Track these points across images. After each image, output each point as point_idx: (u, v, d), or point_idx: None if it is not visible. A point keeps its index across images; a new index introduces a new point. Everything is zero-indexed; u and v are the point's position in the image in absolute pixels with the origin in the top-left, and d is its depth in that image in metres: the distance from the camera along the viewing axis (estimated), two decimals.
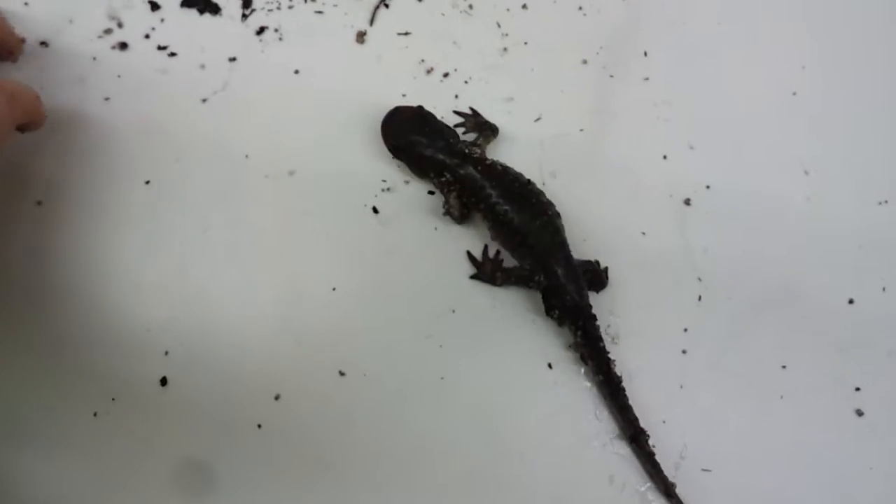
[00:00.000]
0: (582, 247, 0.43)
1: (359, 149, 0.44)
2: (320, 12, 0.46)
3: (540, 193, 0.41)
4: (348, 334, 0.41)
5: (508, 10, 0.47)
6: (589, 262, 0.42)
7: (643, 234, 0.44)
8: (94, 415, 0.38)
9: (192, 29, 0.45)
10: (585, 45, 0.47)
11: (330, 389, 0.40)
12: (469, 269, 0.43)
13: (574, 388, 0.41)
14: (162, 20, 0.46)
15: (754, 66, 0.48)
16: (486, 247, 0.44)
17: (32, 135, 0.41)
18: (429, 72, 0.46)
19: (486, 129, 0.44)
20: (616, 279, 0.43)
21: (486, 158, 0.42)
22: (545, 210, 0.40)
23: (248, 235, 0.42)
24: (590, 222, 0.44)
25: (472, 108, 0.46)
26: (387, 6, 0.47)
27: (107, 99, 0.44)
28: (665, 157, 0.46)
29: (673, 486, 0.39)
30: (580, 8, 0.48)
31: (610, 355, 0.40)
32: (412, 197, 0.44)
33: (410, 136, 0.41)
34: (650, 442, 0.39)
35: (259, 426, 0.38)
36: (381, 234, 0.43)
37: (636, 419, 0.39)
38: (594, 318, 0.40)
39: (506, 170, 0.41)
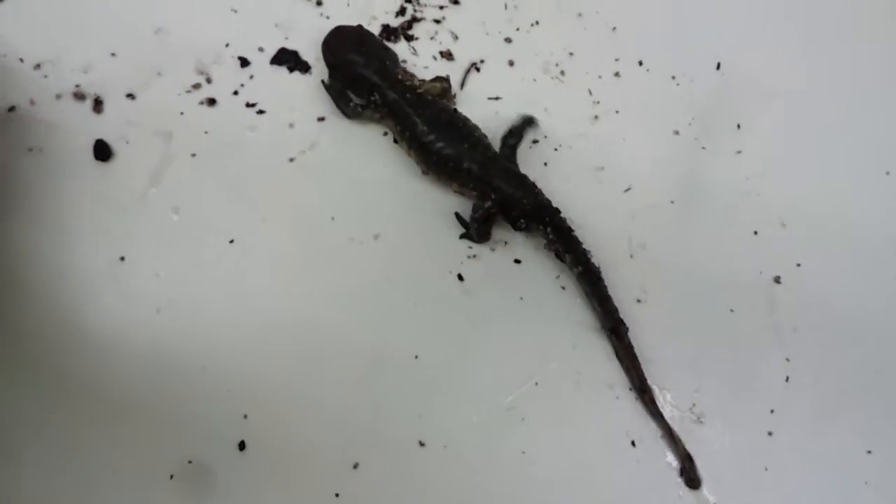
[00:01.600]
0: (669, 323, 0.61)
1: (445, 214, 0.60)
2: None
3: (466, 120, 0.55)
4: (429, 404, 0.56)
5: (601, 77, 0.67)
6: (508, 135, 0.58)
7: (731, 311, 0.62)
8: (171, 477, 0.54)
9: (282, 87, 0.64)
10: (678, 114, 0.66)
11: (409, 460, 0.52)
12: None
13: (657, 467, 0.53)
14: (251, 77, 0.64)
15: (849, 143, 0.66)
16: (474, 206, 0.56)
17: (113, 189, 0.58)
18: (513, 135, 0.65)
19: (440, 79, 0.59)
20: (703, 357, 0.58)
21: (418, 88, 0.56)
22: (472, 133, 0.55)
23: (331, 300, 0.56)
24: (678, 297, 0.61)
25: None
26: (478, 70, 0.66)
27: (193, 155, 0.62)
28: (756, 232, 0.64)
29: (648, 386, 0.52)
30: (673, 77, 0.67)
31: (584, 246, 0.54)
32: (498, 266, 0.61)
33: (348, 53, 0.57)
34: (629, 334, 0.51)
35: (337, 495, 0.52)
36: (466, 303, 0.59)
37: (616, 310, 0.52)
38: (558, 210, 0.54)
39: (435, 102, 0.55)
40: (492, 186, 0.54)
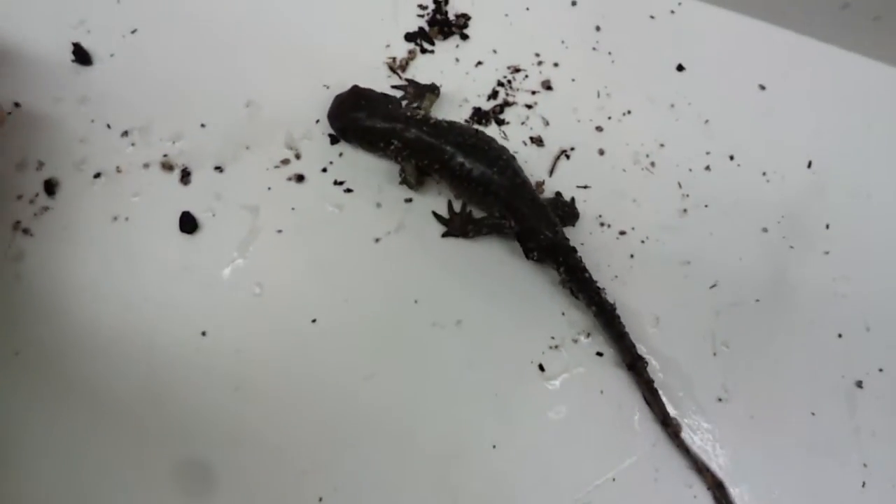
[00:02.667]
0: (749, 424, 0.77)
1: (528, 302, 0.73)
2: None
3: (492, 140, 0.67)
4: (507, 495, 0.69)
5: (691, 170, 0.83)
6: (557, 197, 0.71)
7: (812, 413, 0.78)
8: None
9: (370, 166, 0.80)
10: (767, 212, 0.82)
11: None
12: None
13: None
14: (340, 154, 0.80)
15: None
16: (450, 202, 0.70)
17: (198, 262, 0.71)
18: (605, 226, 0.82)
19: (427, 91, 0.73)
20: (781, 457, 0.70)
21: (430, 118, 0.69)
22: (500, 155, 0.66)
23: (410, 386, 0.68)
24: (760, 397, 0.76)
25: (408, 80, 0.75)
26: (567, 157, 0.83)
27: (279, 231, 0.77)
28: (840, 335, 0.80)
29: (673, 419, 0.64)
30: (764, 173, 0.84)
31: (598, 284, 0.66)
32: (580, 357, 0.76)
33: (350, 112, 0.69)
34: (648, 369, 0.64)
35: None
36: (546, 394, 0.72)
37: (633, 346, 0.65)
38: (573, 250, 0.66)
39: (451, 125, 0.67)
40: (515, 214, 0.67)
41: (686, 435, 0.66)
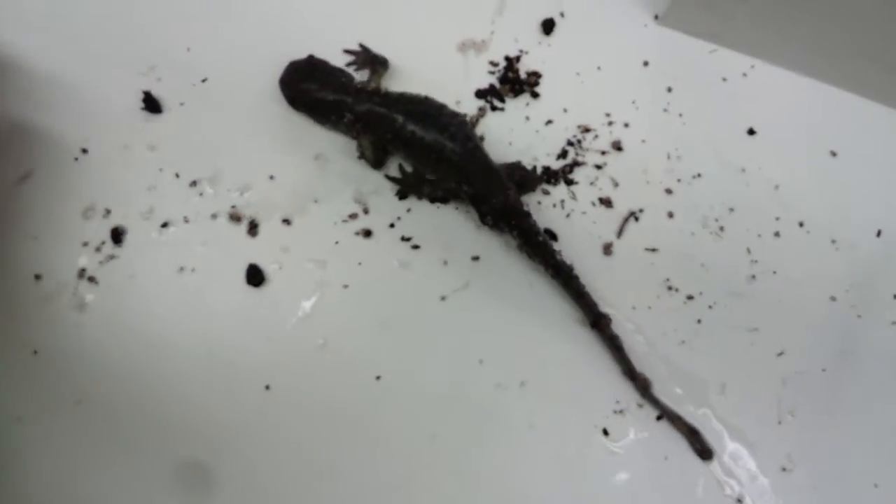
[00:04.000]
0: (812, 495, 0.84)
1: (593, 365, 0.78)
2: (568, 216, 0.90)
3: (443, 107, 0.73)
4: None
5: (760, 235, 0.91)
6: (515, 163, 0.77)
7: (875, 485, 0.84)
8: None
9: (437, 222, 0.87)
10: (835, 280, 0.89)
11: None
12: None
13: None
14: (408, 210, 0.87)
15: None
16: (400, 164, 0.78)
17: (263, 315, 0.79)
18: (672, 290, 0.90)
19: (377, 63, 0.80)
20: None
21: (381, 90, 0.75)
22: (451, 120, 0.72)
23: (472, 446, 0.74)
24: (824, 467, 0.82)
25: (360, 44, 0.82)
26: (636, 219, 0.91)
27: (345, 286, 0.85)
28: None
29: (640, 373, 0.73)
30: (833, 241, 0.91)
31: (555, 246, 0.73)
32: (644, 421, 0.83)
33: (301, 83, 0.76)
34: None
35: None
36: (610, 458, 0.77)
37: (595, 304, 0.72)
38: (528, 214, 0.73)
39: (402, 95, 0.73)
40: (469, 179, 0.73)
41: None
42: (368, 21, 0.86)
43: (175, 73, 0.83)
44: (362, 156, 0.78)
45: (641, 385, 0.73)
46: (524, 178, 0.78)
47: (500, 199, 0.73)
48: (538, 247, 0.73)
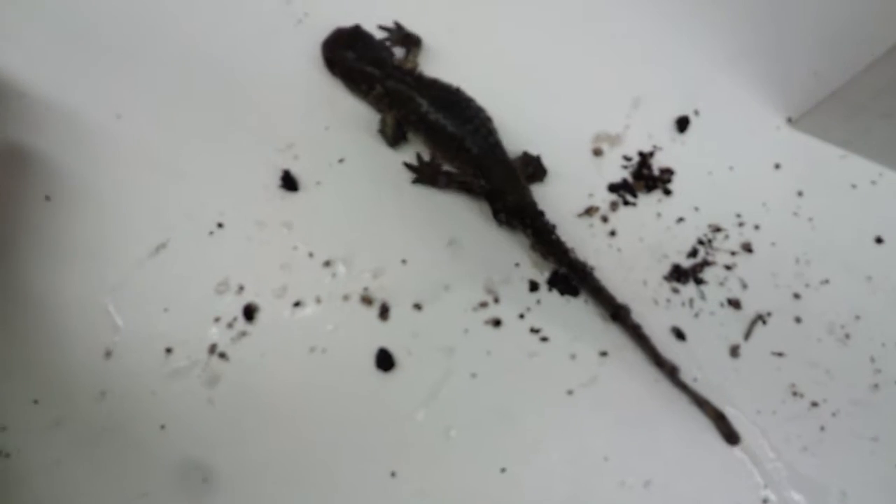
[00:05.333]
0: None
1: (727, 470, 0.85)
2: (696, 315, 0.99)
3: (470, 100, 0.81)
4: None
5: (884, 344, 0.99)
6: (525, 154, 0.85)
7: None
8: None
9: (567, 315, 0.95)
10: None
11: None
12: None
13: None
14: (538, 301, 0.96)
15: None
16: (418, 153, 0.85)
17: (391, 400, 0.84)
18: (797, 395, 0.98)
19: (410, 42, 0.89)
20: None
21: (415, 71, 0.84)
22: (476, 114, 0.81)
23: None
24: None
25: (396, 22, 0.91)
26: (764, 322, 0.99)
27: (473, 375, 0.92)
28: None
29: (667, 360, 0.80)
30: None
31: (567, 244, 0.80)
32: None
33: (342, 50, 0.85)
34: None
35: None
36: None
37: (613, 297, 0.79)
38: (542, 213, 0.80)
39: (434, 81, 0.82)
40: (485, 174, 0.81)
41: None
42: (504, 102, 0.94)
43: (313, 152, 0.91)
44: (382, 131, 0.87)
45: (668, 370, 0.80)
46: (536, 171, 0.86)
47: (515, 196, 0.82)
48: (551, 245, 0.81)
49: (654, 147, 0.95)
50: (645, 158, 0.91)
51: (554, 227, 0.83)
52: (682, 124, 0.92)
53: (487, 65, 0.96)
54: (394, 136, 0.86)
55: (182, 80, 0.94)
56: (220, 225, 0.88)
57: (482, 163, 0.81)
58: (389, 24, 0.92)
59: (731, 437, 0.80)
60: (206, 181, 0.90)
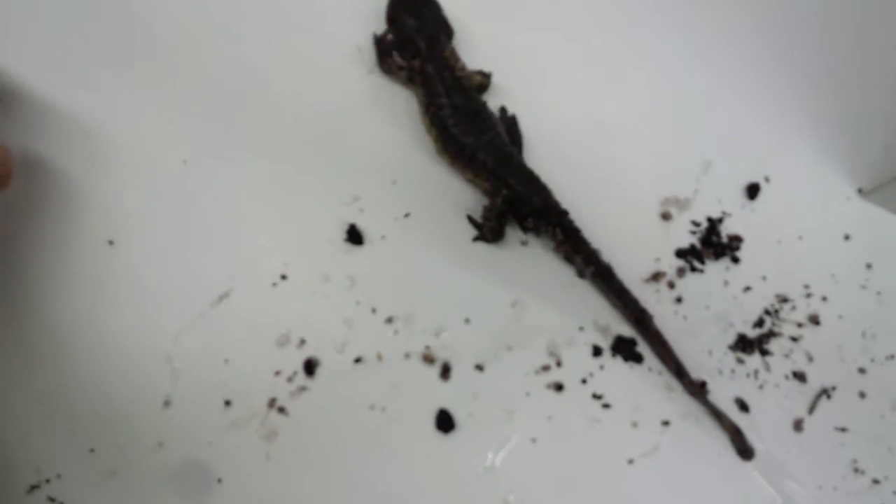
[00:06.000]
0: None
1: None
2: (761, 387, 1.02)
3: (492, 115, 0.86)
4: None
5: None
6: (502, 112, 0.92)
7: None
8: None
9: (630, 382, 0.97)
10: None
11: None
12: None
13: None
14: (601, 367, 0.99)
15: None
16: (474, 217, 0.90)
17: (450, 462, 0.86)
18: (858, 472, 1.01)
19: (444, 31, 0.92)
20: None
21: (459, 71, 0.89)
22: (493, 126, 0.85)
23: None
24: None
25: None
26: (828, 397, 1.02)
27: (533, 440, 0.95)
28: None
29: (685, 370, 0.82)
30: None
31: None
32: None
33: (405, 12, 0.90)
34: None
35: None
36: None
37: (636, 301, 0.83)
38: (566, 212, 0.84)
39: (467, 90, 0.87)
40: (504, 181, 0.84)
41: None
42: (572, 160, 0.99)
43: (379, 206, 0.94)
44: (382, 39, 0.94)
45: (689, 382, 0.83)
46: (511, 129, 0.92)
47: (539, 198, 0.86)
48: (580, 244, 0.85)
49: (724, 213, 0.97)
50: (714, 225, 0.94)
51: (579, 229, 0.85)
52: (753, 191, 0.95)
53: (557, 122, 1.00)
54: (391, 67, 0.96)
55: (251, 129, 0.97)
56: (283, 276, 0.91)
57: (499, 172, 0.85)
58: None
59: (745, 452, 0.85)
60: (271, 231, 0.93)
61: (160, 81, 0.99)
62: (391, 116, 0.95)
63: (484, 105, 0.87)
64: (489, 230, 0.88)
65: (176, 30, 1.00)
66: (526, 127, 0.95)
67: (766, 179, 0.97)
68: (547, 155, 0.92)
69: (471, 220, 0.89)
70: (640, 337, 0.86)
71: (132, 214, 0.91)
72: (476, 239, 0.89)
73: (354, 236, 0.91)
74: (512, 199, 0.84)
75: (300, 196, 0.94)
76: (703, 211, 0.97)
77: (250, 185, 0.95)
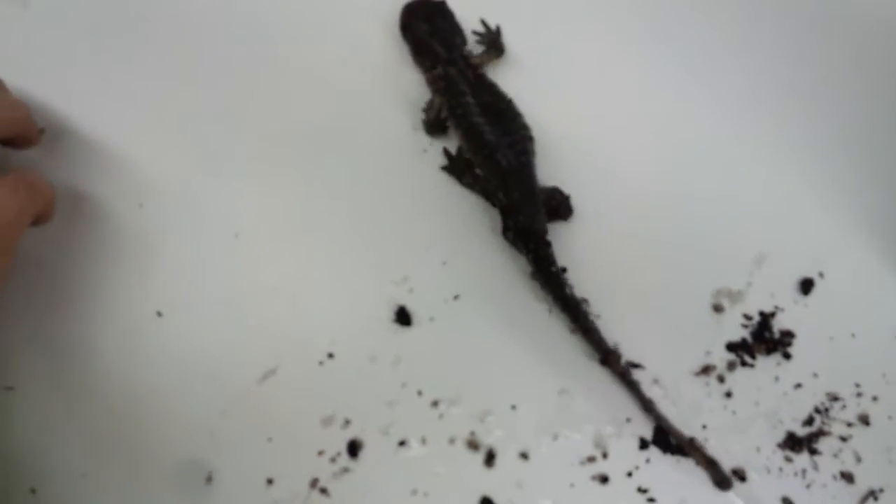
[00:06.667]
0: None
1: None
2: (808, 486, 1.05)
3: (518, 115, 0.87)
4: None
5: None
6: (555, 189, 0.90)
7: None
8: None
9: (676, 478, 1.01)
10: None
11: None
12: None
13: None
14: (647, 461, 1.01)
15: None
16: (459, 148, 0.92)
17: None
18: None
19: (494, 48, 0.96)
20: None
21: (480, 68, 0.92)
22: (518, 130, 0.86)
23: None
24: None
25: (497, 26, 0.98)
26: (875, 499, 1.05)
27: None
28: None
29: (652, 406, 0.84)
30: None
31: (567, 280, 0.86)
32: None
33: (419, 19, 0.91)
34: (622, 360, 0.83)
35: None
36: None
37: (604, 340, 0.84)
38: (548, 244, 0.85)
39: (492, 85, 0.89)
40: (506, 190, 0.88)
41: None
42: (627, 248, 1.02)
43: (428, 287, 0.97)
44: (426, 112, 0.94)
45: (655, 416, 0.86)
46: (561, 208, 0.92)
47: (527, 219, 0.86)
48: (550, 277, 0.86)
49: (776, 307, 1.00)
50: (766, 319, 0.97)
51: (564, 269, 0.91)
52: (807, 286, 0.98)
53: (607, 204, 1.03)
54: (433, 123, 0.94)
55: (304, 204, 1.00)
56: (330, 355, 0.94)
57: (507, 177, 0.87)
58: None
59: (722, 482, 0.88)
60: (320, 309, 0.96)
61: (216, 150, 1.04)
62: (444, 198, 0.98)
63: (510, 103, 0.90)
64: (457, 169, 0.95)
65: (226, 91, 1.07)
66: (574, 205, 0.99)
67: (821, 275, 1.00)
68: (596, 237, 0.97)
69: (446, 152, 0.97)
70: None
71: (181, 286, 0.95)
72: (444, 168, 0.96)
73: (403, 317, 0.94)
74: (503, 206, 0.88)
75: (350, 274, 0.97)
76: (755, 304, 1.00)
77: (300, 261, 0.98)
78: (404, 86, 1.03)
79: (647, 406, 0.85)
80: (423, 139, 1.02)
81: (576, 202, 0.99)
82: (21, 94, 0.92)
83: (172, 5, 1.07)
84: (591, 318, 0.87)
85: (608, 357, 0.85)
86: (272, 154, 1.03)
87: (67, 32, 1.05)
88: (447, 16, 0.93)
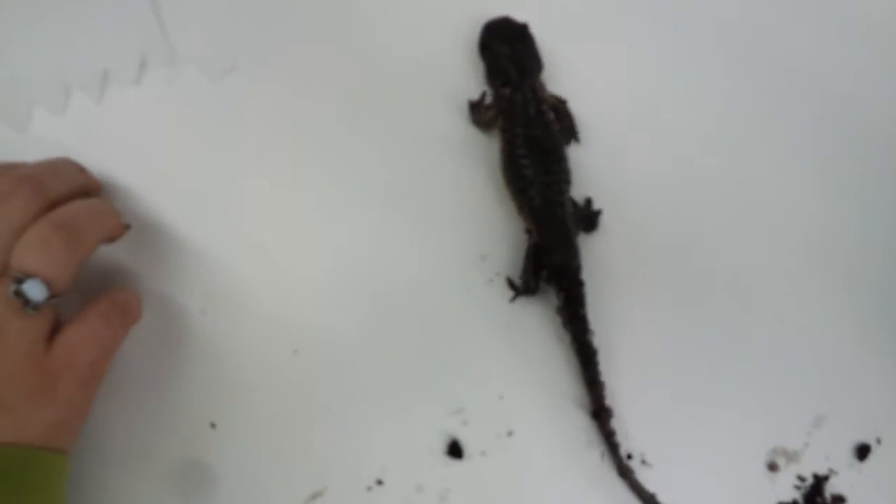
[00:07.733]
0: None
1: None
2: None
3: (564, 159, 0.90)
4: None
5: None
6: (587, 202, 0.95)
7: None
8: None
9: None
10: None
11: None
12: None
13: None
14: None
15: None
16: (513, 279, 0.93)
17: None
18: None
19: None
20: None
21: (546, 105, 0.93)
22: (558, 172, 0.89)
23: None
24: None
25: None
26: None
27: None
28: None
29: (630, 469, 0.86)
30: None
31: (591, 326, 0.87)
32: None
33: (500, 40, 0.93)
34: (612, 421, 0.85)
35: None
36: None
37: (603, 396, 0.86)
38: (581, 283, 0.87)
39: (550, 123, 0.91)
40: (539, 228, 0.89)
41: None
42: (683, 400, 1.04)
43: (482, 420, 0.99)
44: (478, 101, 0.98)
45: (630, 480, 0.90)
46: (590, 220, 0.95)
47: (562, 256, 0.90)
48: (577, 319, 0.88)
49: (830, 471, 1.01)
50: (819, 482, 0.99)
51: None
52: (863, 452, 1.00)
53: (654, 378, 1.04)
54: (484, 121, 0.98)
55: (363, 328, 1.03)
56: (379, 482, 0.95)
57: (540, 216, 0.89)
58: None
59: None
60: (372, 433, 0.97)
61: (279, 261, 1.05)
62: (504, 329, 1.01)
63: (559, 144, 0.92)
64: (523, 283, 0.93)
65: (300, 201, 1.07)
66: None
67: (878, 441, 1.01)
68: (644, 388, 0.99)
69: (510, 283, 0.94)
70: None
71: (236, 399, 0.97)
72: (514, 297, 0.95)
73: (455, 450, 0.96)
74: (537, 247, 0.90)
75: (405, 401, 0.99)
76: (810, 466, 1.01)
77: (357, 384, 1.00)
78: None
79: (624, 472, 0.89)
80: (490, 270, 1.03)
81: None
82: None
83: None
84: (600, 369, 0.89)
85: (601, 413, 0.88)
86: (333, 272, 1.06)
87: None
88: (528, 40, 0.95)
